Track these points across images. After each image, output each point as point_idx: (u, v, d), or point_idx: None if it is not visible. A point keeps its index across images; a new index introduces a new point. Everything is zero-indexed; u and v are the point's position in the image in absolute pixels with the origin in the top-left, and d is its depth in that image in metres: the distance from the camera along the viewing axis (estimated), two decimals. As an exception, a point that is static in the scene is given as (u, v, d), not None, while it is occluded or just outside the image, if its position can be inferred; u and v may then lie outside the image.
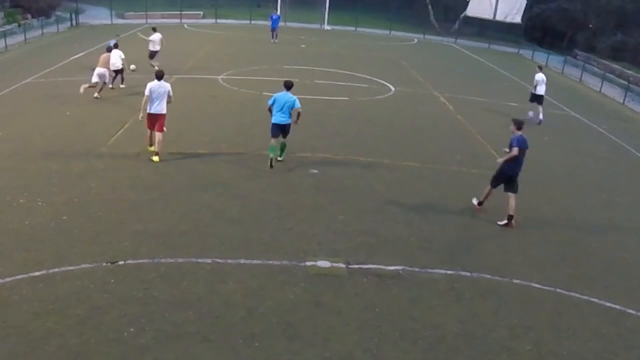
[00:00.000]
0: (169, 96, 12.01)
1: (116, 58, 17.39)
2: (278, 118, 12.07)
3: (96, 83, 16.61)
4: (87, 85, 16.33)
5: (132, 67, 18.27)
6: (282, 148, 12.53)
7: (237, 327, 6.91)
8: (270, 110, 12.20)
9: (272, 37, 31.27)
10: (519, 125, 10.69)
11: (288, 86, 12.33)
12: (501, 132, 17.05)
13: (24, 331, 6.51)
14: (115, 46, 17.82)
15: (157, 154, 12.05)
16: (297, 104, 12.22)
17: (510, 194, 10.68)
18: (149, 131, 12.33)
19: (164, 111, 12.04)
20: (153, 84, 11.89)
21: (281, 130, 12.16)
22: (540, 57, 35.38)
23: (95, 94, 16.61)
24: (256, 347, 6.58)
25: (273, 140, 12.13)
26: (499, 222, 10.59)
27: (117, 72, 17.75)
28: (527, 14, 38.93)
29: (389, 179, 12.38)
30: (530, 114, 18.70)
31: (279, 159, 12.48)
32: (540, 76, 18.70)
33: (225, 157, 12.72)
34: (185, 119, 15.29)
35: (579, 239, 10.52)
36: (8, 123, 14.01)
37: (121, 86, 18.11)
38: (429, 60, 31.04)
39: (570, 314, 7.96)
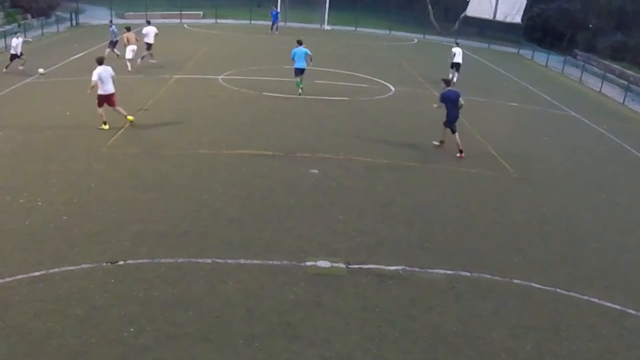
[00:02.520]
0: (111, 76, 13.70)
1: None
2: (299, 64, 18.32)
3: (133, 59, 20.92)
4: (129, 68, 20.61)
5: (41, 70, 19.54)
6: (301, 81, 18.60)
7: (237, 327, 6.91)
8: (293, 59, 18.26)
9: (273, 29, 35.62)
10: (447, 83, 14.75)
11: (300, 42, 18.65)
12: (502, 131, 17.11)
13: (24, 331, 6.52)
14: (148, 22, 22.77)
15: (126, 116, 14.07)
16: (309, 52, 18.34)
17: (455, 134, 14.22)
18: (100, 110, 13.75)
19: (113, 90, 13.80)
20: (99, 70, 13.53)
21: (301, 71, 18.44)
22: (541, 57, 35.38)
23: (134, 64, 20.93)
24: (256, 347, 6.59)
25: (298, 78, 18.58)
26: (457, 155, 14.03)
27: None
28: (527, 14, 38.90)
29: (389, 179, 12.37)
30: (455, 78, 22.84)
31: (301, 87, 18.60)
32: (457, 49, 24.05)
33: (226, 157, 12.71)
34: (185, 119, 15.30)
35: (579, 239, 10.52)
36: (8, 123, 14.01)
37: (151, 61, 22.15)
38: (429, 61, 31.02)
39: (570, 314, 7.96)
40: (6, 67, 19.72)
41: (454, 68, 23.74)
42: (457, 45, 24.93)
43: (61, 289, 7.36)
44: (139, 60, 21.52)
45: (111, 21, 25.55)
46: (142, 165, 11.91)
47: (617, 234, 10.95)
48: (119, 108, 14.03)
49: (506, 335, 7.27)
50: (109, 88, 13.72)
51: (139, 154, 12.46)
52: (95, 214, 9.52)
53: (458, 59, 23.85)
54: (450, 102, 14.03)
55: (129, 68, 20.82)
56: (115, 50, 22.88)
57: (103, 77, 13.57)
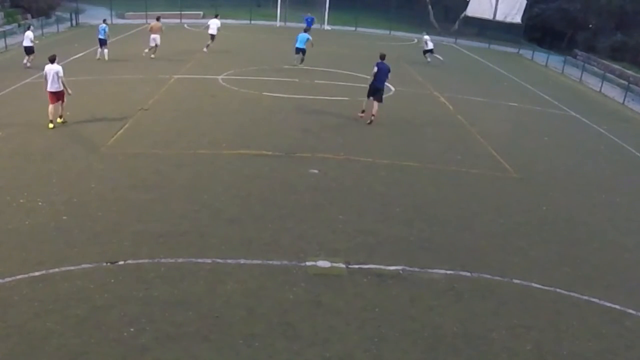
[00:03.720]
0: (59, 76, 13.82)
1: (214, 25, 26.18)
2: (298, 44, 23.49)
3: (153, 47, 23.51)
4: (147, 49, 23.57)
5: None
6: (302, 59, 23.62)
7: (237, 327, 6.91)
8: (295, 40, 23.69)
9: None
10: (382, 56, 16.25)
11: (305, 29, 24.73)
12: (502, 131, 17.11)
13: (24, 331, 6.52)
14: (216, 16, 27.31)
15: (61, 116, 14.28)
16: (310, 38, 23.66)
17: (375, 102, 16.05)
18: (50, 107, 13.90)
19: (61, 88, 13.97)
20: (47, 67, 13.91)
21: (298, 50, 23.58)
22: (541, 57, 35.37)
23: (149, 53, 23.50)
24: (256, 347, 6.59)
25: (296, 55, 23.61)
26: (366, 122, 16.05)
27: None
28: (527, 14, 38.86)
29: (389, 179, 12.37)
30: (440, 57, 28.50)
31: (300, 65, 23.51)
32: (426, 37, 29.01)
33: (225, 157, 12.71)
34: (185, 119, 15.30)
35: (579, 239, 10.52)
36: (8, 123, 14.01)
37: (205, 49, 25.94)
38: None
39: (570, 314, 7.97)
40: (28, 61, 20.70)
41: (427, 54, 28.50)
42: (427, 34, 30.00)
43: (61, 289, 7.36)
44: (204, 49, 25.80)
45: (105, 20, 25.49)
46: (142, 165, 11.91)
47: (617, 234, 10.95)
48: (61, 106, 14.19)
49: (506, 335, 7.28)
50: (53, 86, 13.90)
51: (139, 154, 12.46)
52: (95, 214, 9.52)
53: (430, 45, 28.46)
54: (380, 72, 16.04)
55: (152, 55, 23.51)
56: (99, 52, 23.10)
57: (48, 75, 13.82)
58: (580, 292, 8.50)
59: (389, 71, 16.19)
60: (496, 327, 7.44)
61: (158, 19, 24.62)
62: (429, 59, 28.32)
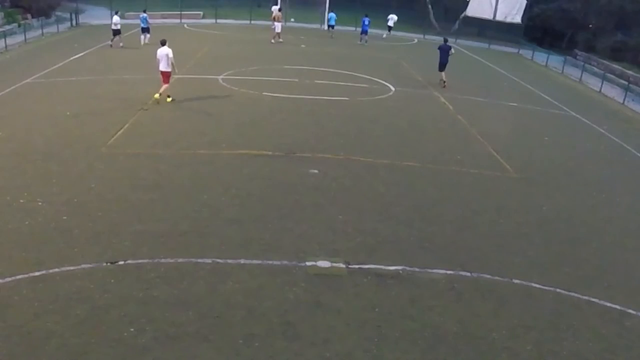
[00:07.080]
0: (168, 58, 16.13)
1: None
2: (331, 22, 34.72)
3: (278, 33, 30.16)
4: (273, 36, 30.13)
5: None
6: (363, 39, 33.15)
7: (237, 327, 6.91)
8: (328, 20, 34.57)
9: (362, 40, 34.32)
10: (445, 40, 23.00)
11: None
12: (502, 131, 17.12)
13: (24, 331, 6.52)
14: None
15: (160, 94, 16.42)
16: (335, 17, 34.68)
17: (442, 72, 22.41)
18: (164, 85, 16.48)
19: (167, 70, 16.36)
20: (158, 50, 16.41)
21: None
22: (541, 57, 35.37)
23: (277, 39, 30.24)
24: (256, 347, 6.59)
25: (330, 30, 34.95)
26: (442, 87, 22.24)
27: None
28: (527, 14, 38.84)
29: (389, 179, 12.37)
30: (384, 35, 36.32)
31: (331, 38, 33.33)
32: (392, 16, 35.84)
33: (225, 157, 12.72)
34: (185, 119, 15.31)
35: (579, 239, 10.52)
36: (8, 123, 14.01)
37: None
38: (429, 61, 30.95)
39: (570, 314, 7.97)
40: (111, 41, 25.33)
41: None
42: (393, 14, 35.94)
43: (61, 289, 7.36)
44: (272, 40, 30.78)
45: (144, 10, 28.34)
46: (142, 165, 11.91)
47: (617, 234, 10.95)
48: (163, 85, 16.46)
49: (506, 335, 7.28)
50: (161, 66, 16.34)
51: (139, 154, 12.46)
52: (95, 214, 9.52)
53: (391, 23, 35.62)
54: (442, 51, 22.15)
55: (280, 39, 30.11)
56: (142, 38, 26.46)
57: (159, 56, 16.28)
58: (580, 293, 8.50)
59: (450, 49, 22.05)
60: (496, 327, 7.44)
61: (280, 9, 31.70)
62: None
